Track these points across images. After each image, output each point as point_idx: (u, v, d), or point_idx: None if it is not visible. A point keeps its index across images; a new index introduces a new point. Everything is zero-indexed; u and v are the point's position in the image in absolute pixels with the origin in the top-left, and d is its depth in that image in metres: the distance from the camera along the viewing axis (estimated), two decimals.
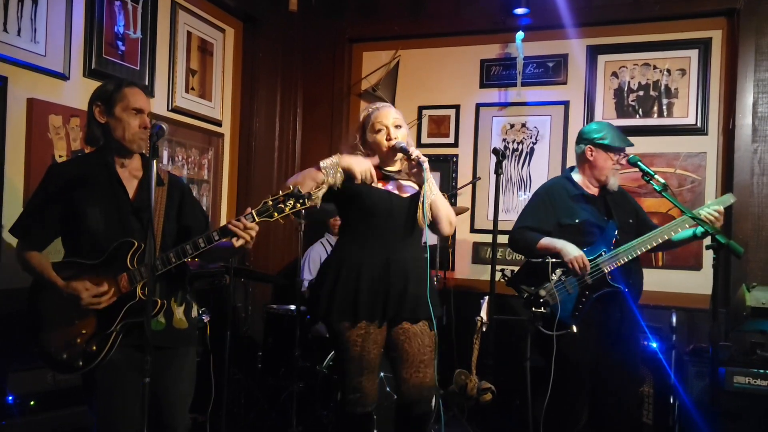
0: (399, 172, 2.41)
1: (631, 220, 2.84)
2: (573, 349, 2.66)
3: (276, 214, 1.99)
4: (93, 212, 2.04)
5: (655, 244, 2.72)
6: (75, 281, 1.99)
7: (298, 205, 1.99)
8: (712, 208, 2.65)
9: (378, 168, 2.39)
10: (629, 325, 2.77)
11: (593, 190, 2.85)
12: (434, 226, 2.38)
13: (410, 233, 2.33)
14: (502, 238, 3.90)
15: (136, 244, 2.02)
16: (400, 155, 2.36)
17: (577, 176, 2.88)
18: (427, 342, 2.35)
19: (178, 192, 2.23)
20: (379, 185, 2.35)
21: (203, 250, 2.03)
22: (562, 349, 2.65)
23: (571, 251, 2.68)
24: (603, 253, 2.71)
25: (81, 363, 1.99)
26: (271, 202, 2.00)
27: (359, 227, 2.37)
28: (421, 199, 2.25)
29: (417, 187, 2.32)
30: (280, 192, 2.00)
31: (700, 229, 2.65)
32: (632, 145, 2.88)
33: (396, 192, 2.37)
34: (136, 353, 2.02)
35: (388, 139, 2.33)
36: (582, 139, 2.86)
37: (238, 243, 2.01)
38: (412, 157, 2.25)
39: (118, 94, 2.06)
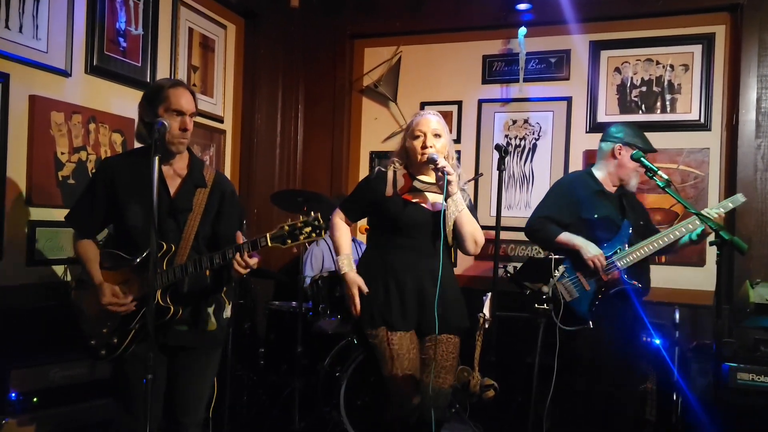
0: (433, 184, 2.38)
1: (641, 222, 2.87)
2: (591, 346, 2.69)
3: (290, 240, 2.00)
4: (133, 209, 2.09)
5: (664, 243, 2.73)
6: (107, 282, 2.07)
7: (314, 235, 2.00)
8: (713, 210, 2.66)
9: (411, 177, 2.40)
10: (638, 323, 2.81)
11: (611, 188, 2.87)
12: (458, 243, 2.38)
13: (435, 247, 2.32)
14: (505, 235, 3.92)
15: (165, 246, 2.06)
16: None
17: (598, 173, 2.90)
18: (451, 349, 2.38)
19: (218, 195, 2.22)
20: (408, 199, 2.36)
21: (217, 266, 2.05)
22: (580, 346, 2.68)
23: (591, 250, 2.70)
24: (618, 251, 2.73)
25: (104, 352, 2.09)
26: (287, 228, 2.00)
27: (385, 238, 2.40)
28: (442, 213, 2.25)
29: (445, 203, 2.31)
30: (300, 217, 2.01)
31: (695, 234, 2.69)
32: (656, 150, 2.91)
33: (423, 205, 2.36)
34: (159, 351, 2.09)
35: (424, 147, 2.32)
36: (612, 136, 2.87)
37: (233, 272, 2.03)
38: (438, 166, 2.24)
39: (161, 94, 2.08)
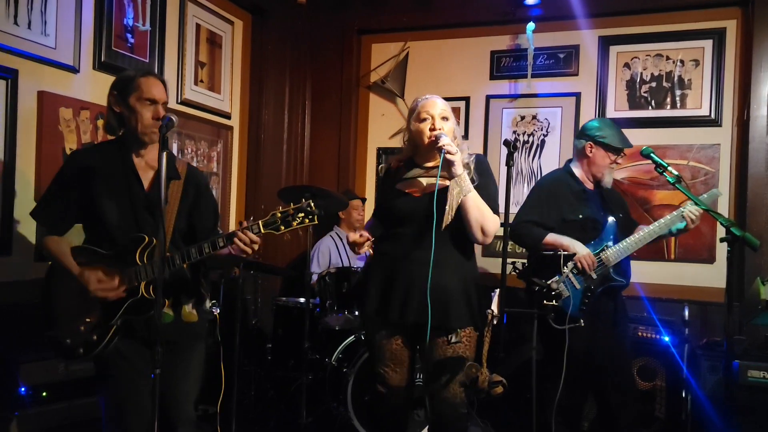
0: (437, 167, 2.26)
1: (621, 215, 2.86)
2: (576, 340, 2.66)
3: (283, 227, 1.98)
4: (108, 203, 2.04)
5: (650, 238, 2.73)
6: (88, 270, 2.00)
7: (307, 220, 1.98)
8: (691, 207, 2.65)
9: (408, 165, 2.33)
10: (621, 314, 2.87)
11: (589, 185, 2.87)
12: (466, 230, 2.22)
13: (434, 236, 2.15)
14: None
15: (147, 239, 2.01)
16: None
17: (576, 171, 2.88)
18: (450, 351, 2.24)
19: (193, 187, 2.19)
20: (400, 189, 2.31)
21: (207, 256, 2.02)
22: (574, 345, 2.65)
23: (580, 250, 2.68)
24: (606, 248, 2.72)
25: (82, 351, 2.01)
26: (279, 215, 1.98)
27: (387, 231, 2.36)
28: (435, 195, 2.13)
29: (448, 179, 2.18)
30: (291, 204, 1.99)
31: (675, 228, 2.70)
32: (632, 146, 2.88)
33: (412, 194, 2.28)
34: (143, 346, 2.04)
35: (432, 129, 2.22)
36: (583, 134, 2.86)
37: (235, 251, 2.00)
38: (439, 144, 2.13)
39: (132, 83, 2.04)
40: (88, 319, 2.01)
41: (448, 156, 2.11)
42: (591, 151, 2.81)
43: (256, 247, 2.00)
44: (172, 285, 2.09)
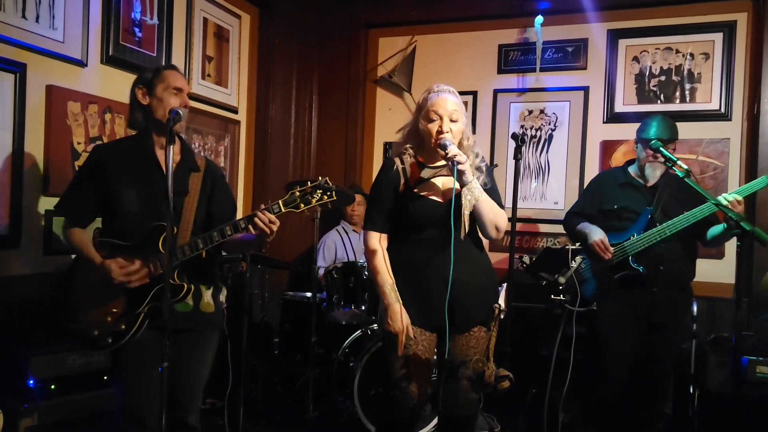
0: (445, 166, 2.25)
1: (686, 212, 2.75)
2: (602, 326, 2.76)
3: (302, 205, 2.03)
4: (128, 194, 2.10)
5: (673, 231, 2.68)
6: (109, 260, 2.05)
7: (325, 197, 2.03)
8: (732, 195, 2.59)
9: (420, 166, 2.28)
10: (662, 314, 2.75)
11: (645, 181, 2.86)
12: (479, 229, 2.27)
13: (457, 239, 2.16)
14: (520, 226, 3.89)
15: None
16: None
17: (632, 167, 2.94)
18: (473, 343, 2.25)
19: (211, 179, 2.27)
20: (418, 192, 2.25)
21: (229, 238, 2.07)
22: (593, 326, 2.76)
23: (594, 235, 2.77)
24: (632, 237, 2.75)
25: (110, 341, 2.06)
26: (298, 193, 2.03)
27: (400, 234, 2.29)
28: (452, 204, 2.11)
29: (459, 187, 2.14)
30: (309, 183, 2.02)
31: (718, 230, 2.67)
32: (675, 138, 2.82)
33: (433, 198, 2.25)
34: (161, 335, 2.05)
35: (439, 132, 2.15)
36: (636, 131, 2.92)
37: (256, 232, 2.04)
38: (448, 155, 2.08)
39: (158, 76, 2.14)
40: (114, 309, 2.06)
41: (459, 167, 2.08)
42: (636, 146, 2.88)
43: (275, 227, 2.04)
44: (194, 274, 2.14)
